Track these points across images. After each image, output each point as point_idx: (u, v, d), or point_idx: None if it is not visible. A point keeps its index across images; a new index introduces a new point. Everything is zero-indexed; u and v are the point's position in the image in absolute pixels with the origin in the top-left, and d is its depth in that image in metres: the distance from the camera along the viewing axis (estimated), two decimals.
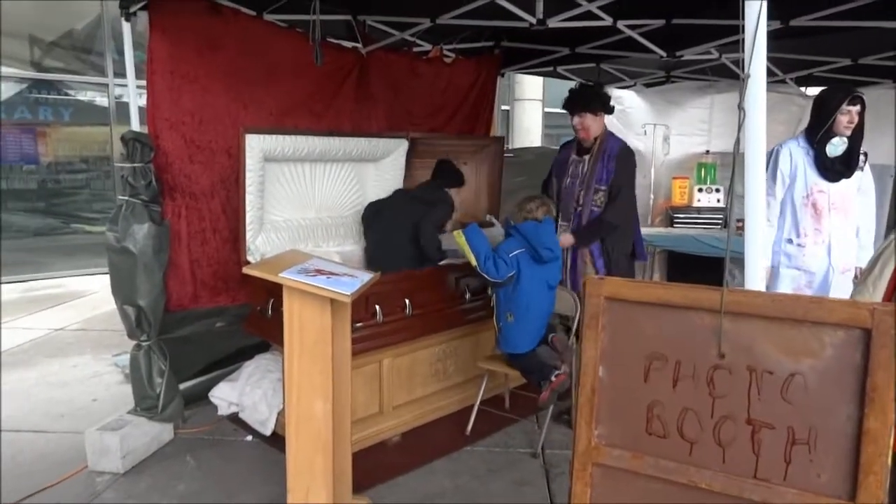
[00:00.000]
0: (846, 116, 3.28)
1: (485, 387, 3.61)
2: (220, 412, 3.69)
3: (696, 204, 6.80)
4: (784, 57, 5.41)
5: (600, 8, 3.59)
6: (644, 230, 6.67)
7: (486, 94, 5.26)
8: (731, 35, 4.24)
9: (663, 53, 4.39)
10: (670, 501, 1.40)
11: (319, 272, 2.46)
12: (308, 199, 3.80)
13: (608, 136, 3.58)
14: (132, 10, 3.23)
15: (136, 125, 3.37)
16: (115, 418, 3.29)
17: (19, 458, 3.27)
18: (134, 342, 3.32)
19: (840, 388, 1.26)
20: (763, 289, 1.55)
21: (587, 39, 4.71)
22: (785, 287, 3.49)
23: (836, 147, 3.34)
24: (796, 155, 3.46)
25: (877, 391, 1.22)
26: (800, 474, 1.30)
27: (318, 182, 3.82)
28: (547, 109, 12.09)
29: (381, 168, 4.05)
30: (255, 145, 3.32)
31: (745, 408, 1.34)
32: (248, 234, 3.40)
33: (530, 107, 11.64)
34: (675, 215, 6.89)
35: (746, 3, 1.59)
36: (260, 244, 3.46)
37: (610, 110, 3.56)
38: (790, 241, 3.49)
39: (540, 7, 3.31)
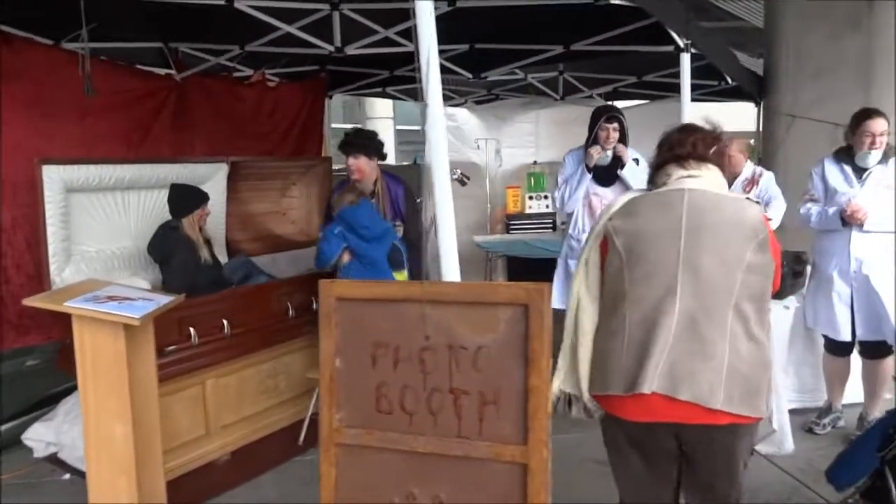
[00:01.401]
0: (604, 132, 3.79)
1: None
2: (35, 454, 3.55)
3: (528, 210, 7.31)
4: (585, 76, 6.06)
5: (400, 34, 3.89)
6: (482, 238, 7.14)
7: (314, 115, 5.44)
8: (529, 57, 4.71)
9: (469, 75, 4.78)
10: (397, 468, 1.63)
11: (111, 298, 2.51)
12: (123, 228, 3.77)
13: (384, 175, 3.79)
14: None
15: None
16: None
17: None
18: None
19: (512, 355, 1.55)
20: (457, 277, 1.84)
21: (405, 62, 5.02)
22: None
23: (603, 158, 3.85)
24: (574, 161, 3.97)
25: (534, 354, 1.52)
26: (490, 429, 1.57)
27: (132, 210, 3.80)
28: (398, 127, 12.46)
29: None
30: (55, 176, 3.28)
31: (447, 380, 1.60)
32: (53, 267, 3.33)
33: (382, 125, 11.94)
34: (511, 222, 7.38)
35: (419, 39, 1.86)
36: (67, 276, 3.40)
37: (383, 156, 3.80)
38: (573, 236, 3.97)
39: (337, 36, 3.54)
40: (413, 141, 12.36)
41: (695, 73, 5.38)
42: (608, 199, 3.92)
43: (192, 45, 4.30)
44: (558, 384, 1.89)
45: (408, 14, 3.61)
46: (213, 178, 4.09)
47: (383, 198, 3.73)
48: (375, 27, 3.63)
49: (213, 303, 3.41)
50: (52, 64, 3.65)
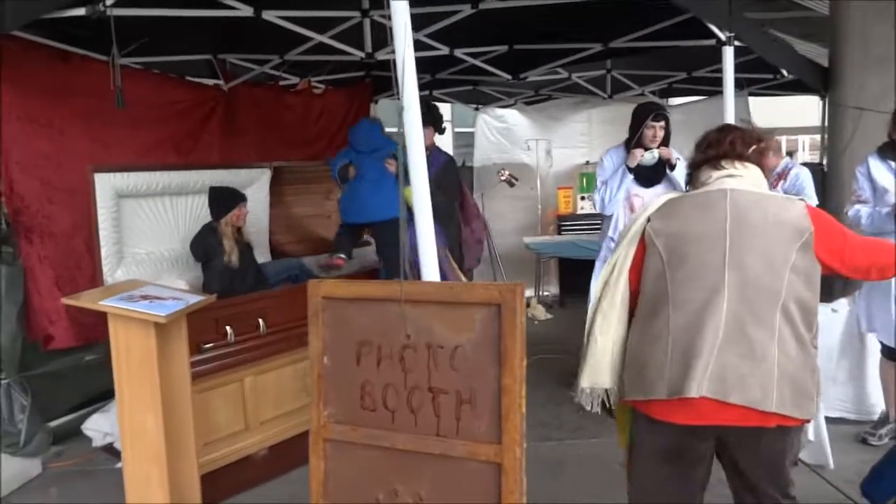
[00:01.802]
0: (651, 131, 3.69)
1: None
2: (94, 444, 3.79)
3: (579, 211, 7.22)
4: (634, 73, 5.93)
5: (433, 37, 3.93)
6: (531, 239, 7.09)
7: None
8: (568, 56, 4.65)
9: (509, 76, 4.77)
10: (381, 464, 1.66)
11: (145, 297, 2.66)
12: (171, 232, 3.98)
13: (434, 150, 3.88)
14: None
15: None
16: None
17: None
18: None
19: (487, 354, 1.55)
20: (437, 276, 1.84)
21: (445, 66, 5.06)
22: None
23: (648, 159, 3.75)
24: (614, 160, 3.88)
25: (507, 354, 1.51)
26: (467, 428, 1.58)
27: (180, 214, 4.01)
28: (457, 129, 12.50)
29: (249, 197, 4.26)
30: (106, 183, 3.51)
31: (427, 378, 1.61)
32: (105, 269, 3.56)
33: None
34: (562, 223, 7.30)
35: (395, 40, 1.88)
36: (119, 277, 3.62)
37: (438, 127, 3.86)
38: (613, 239, 3.88)
39: (368, 42, 3.62)
40: (469, 144, 12.36)
41: (749, 67, 5.18)
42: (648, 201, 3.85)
43: (239, 55, 4.49)
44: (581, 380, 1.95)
45: (437, 17, 3.69)
46: (256, 183, 4.27)
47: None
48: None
49: (249, 302, 3.54)
50: (104, 78, 3.89)
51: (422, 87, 5.72)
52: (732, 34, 3.77)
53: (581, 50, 4.50)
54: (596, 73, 5.84)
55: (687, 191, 2.01)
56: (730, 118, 3.80)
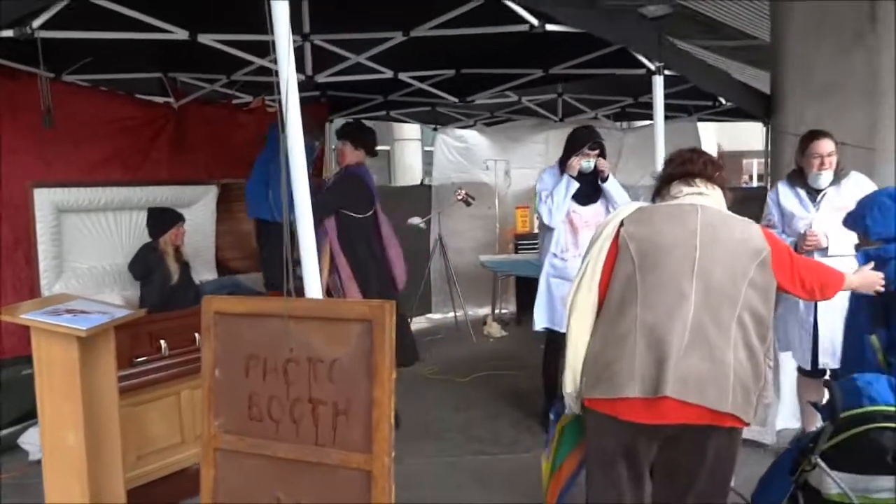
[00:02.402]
0: (585, 157, 3.85)
1: None
2: (30, 457, 3.80)
3: (536, 230, 7.35)
4: (585, 97, 6.11)
5: (376, 61, 4.04)
6: (487, 257, 7.20)
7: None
8: (511, 81, 4.80)
9: (455, 99, 4.91)
10: (265, 473, 1.74)
11: (69, 311, 2.71)
12: (115, 246, 4.03)
13: (354, 165, 3.94)
14: None
15: None
16: None
17: None
18: None
19: (361, 368, 1.64)
20: (319, 294, 1.94)
21: (395, 88, 5.18)
22: (555, 293, 3.99)
23: (584, 165, 3.89)
24: (552, 178, 4.02)
25: (377, 368, 1.60)
26: (342, 437, 1.66)
27: (123, 230, 4.07)
28: (426, 148, 12.66)
29: (193, 213, 4.34)
30: (45, 198, 3.57)
31: (308, 390, 1.70)
32: (44, 282, 3.61)
33: (409, 146, 12.19)
34: (519, 242, 7.44)
35: (279, 69, 1.98)
36: (58, 290, 3.67)
37: (370, 151, 4.00)
38: (555, 255, 4.01)
39: (309, 65, 3.73)
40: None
41: (693, 93, 5.38)
42: (587, 218, 3.98)
43: (189, 74, 4.57)
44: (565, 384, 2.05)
45: (374, 42, 3.82)
46: (202, 200, 4.34)
47: None
48: (346, 54, 3.81)
49: (184, 317, 3.58)
50: (53, 95, 3.94)
51: (376, 108, 5.90)
52: (661, 64, 3.94)
53: (524, 75, 4.65)
54: (547, 97, 6.01)
55: (654, 202, 2.17)
56: (660, 145, 3.96)
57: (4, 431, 3.90)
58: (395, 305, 1.64)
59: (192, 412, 3.68)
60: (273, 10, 1.98)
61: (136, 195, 3.98)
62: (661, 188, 2.16)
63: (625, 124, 7.32)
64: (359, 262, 3.81)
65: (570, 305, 2.06)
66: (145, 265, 3.72)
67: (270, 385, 1.73)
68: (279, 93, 2.00)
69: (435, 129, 7.30)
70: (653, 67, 3.93)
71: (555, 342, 3.94)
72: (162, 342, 3.48)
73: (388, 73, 4.27)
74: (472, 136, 7.66)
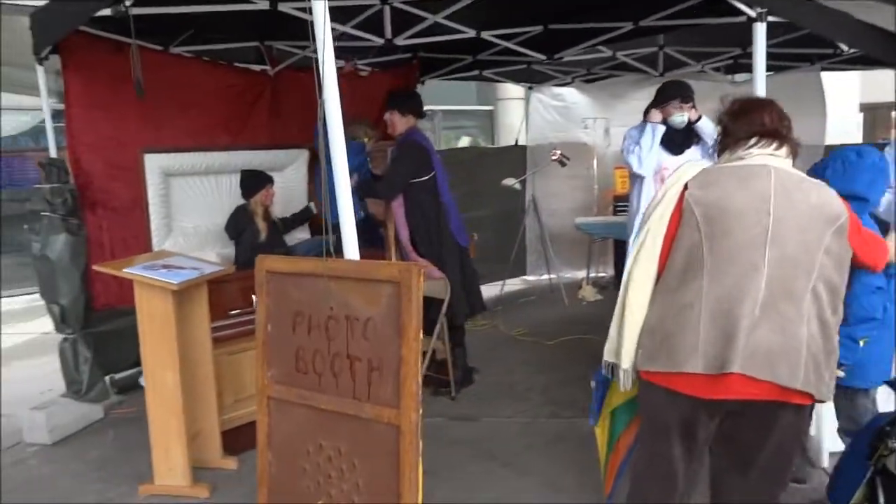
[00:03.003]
0: (677, 111, 3.71)
1: None
2: None
3: None
4: (689, 50, 5.73)
5: (457, 20, 4.01)
6: (581, 219, 7.04)
7: None
8: (601, 35, 4.59)
9: (543, 56, 4.78)
10: (309, 421, 1.86)
11: (166, 267, 3.00)
12: (216, 207, 4.35)
13: (406, 133, 4.02)
14: (43, 54, 3.82)
15: (53, 152, 3.97)
16: (48, 399, 3.91)
17: None
18: (62, 335, 3.93)
19: (391, 327, 1.69)
20: (357, 255, 1.98)
21: (484, 48, 5.12)
22: None
23: (676, 120, 3.76)
24: (639, 132, 3.90)
25: (404, 328, 1.65)
26: (376, 392, 1.74)
27: (223, 191, 4.38)
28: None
29: (285, 176, 4.60)
30: (154, 163, 3.91)
31: (346, 346, 1.78)
32: (155, 240, 3.99)
33: (512, 105, 12.00)
34: (618, 204, 7.18)
35: (316, 37, 2.00)
36: (168, 247, 4.04)
37: (418, 114, 4.06)
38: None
39: (388, 28, 3.77)
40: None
41: (812, 41, 4.88)
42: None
43: (285, 42, 4.76)
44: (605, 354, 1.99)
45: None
46: (294, 163, 4.58)
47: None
48: (424, 14, 3.81)
49: None
50: (162, 66, 4.28)
51: (466, 68, 5.85)
52: (764, 10, 3.61)
53: (613, 28, 4.43)
54: (646, 51, 5.68)
55: (715, 159, 2.01)
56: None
57: (128, 372, 4.38)
58: (421, 268, 1.68)
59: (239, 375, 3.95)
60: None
61: (235, 159, 4.26)
62: (727, 145, 1.95)
63: (741, 76, 6.77)
64: (426, 225, 3.93)
65: (626, 278, 1.93)
66: (237, 225, 4.00)
67: (314, 340, 1.84)
68: (317, 73, 2.02)
69: (530, 88, 7.14)
70: (752, 14, 3.60)
71: None
72: (253, 297, 3.75)
73: (470, 33, 4.22)
74: (571, 94, 7.41)
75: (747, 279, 1.74)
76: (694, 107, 3.83)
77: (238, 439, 3.46)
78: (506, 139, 12.24)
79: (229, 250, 4.25)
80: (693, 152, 3.84)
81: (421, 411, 1.67)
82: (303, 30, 4.56)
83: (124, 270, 2.89)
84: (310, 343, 1.85)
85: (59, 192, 3.82)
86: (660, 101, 3.83)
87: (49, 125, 3.99)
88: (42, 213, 3.85)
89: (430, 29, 4.03)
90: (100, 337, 4.06)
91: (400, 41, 4.00)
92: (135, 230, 4.26)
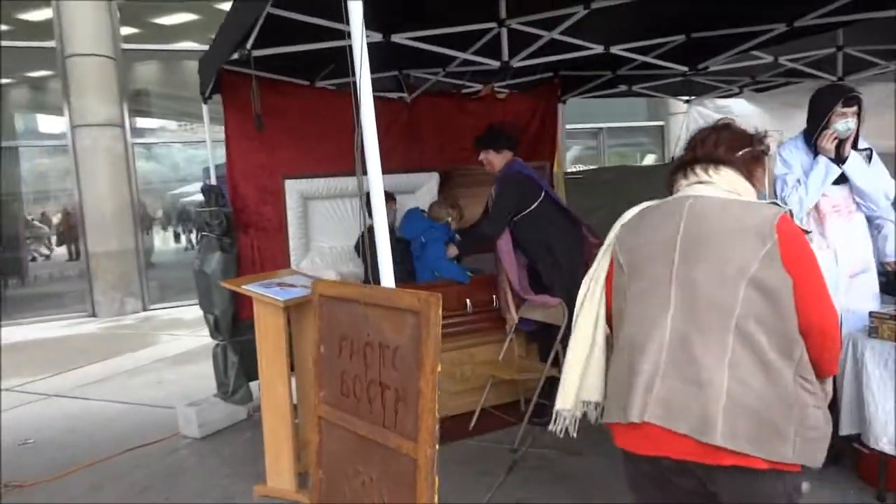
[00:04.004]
0: (841, 118, 3.15)
1: (499, 392, 4.09)
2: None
3: None
4: (875, 49, 4.99)
5: (579, 35, 3.89)
6: None
7: (546, 123, 5.64)
8: (749, 41, 4.16)
9: (685, 68, 4.44)
10: (349, 445, 1.88)
11: (280, 285, 3.24)
12: (350, 229, 4.62)
13: (505, 167, 4.00)
14: (207, 94, 4.35)
15: (213, 179, 4.49)
16: (202, 398, 4.40)
17: (145, 425, 4.53)
18: (215, 342, 4.41)
19: (414, 358, 1.65)
20: (392, 283, 1.92)
21: (623, 63, 4.89)
22: None
23: (842, 129, 3.17)
24: (796, 156, 3.38)
25: (423, 360, 1.60)
26: (401, 423, 1.70)
27: (358, 214, 4.63)
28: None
29: (417, 198, 4.74)
30: (293, 188, 4.26)
31: (378, 374, 1.78)
32: (293, 258, 4.33)
33: (683, 120, 11.28)
34: None
35: (353, 48, 1.99)
36: (304, 266, 4.36)
37: (513, 148, 4.03)
38: None
39: (505, 51, 3.76)
40: None
41: None
42: (836, 201, 3.29)
43: (423, 70, 4.94)
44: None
45: (564, 17, 3.65)
46: (425, 186, 4.71)
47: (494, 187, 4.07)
48: (539, 32, 3.74)
49: None
50: (306, 98, 4.66)
51: (607, 84, 5.61)
52: None
53: (762, 32, 3.98)
54: (820, 53, 5.02)
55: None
56: None
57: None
58: (440, 298, 1.63)
59: None
60: (350, 12, 2.06)
61: (367, 183, 4.47)
62: (670, 181, 1.79)
63: None
64: (546, 252, 3.84)
65: (573, 324, 1.87)
66: (361, 246, 4.19)
67: (355, 365, 1.87)
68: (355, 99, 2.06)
69: (687, 102, 6.66)
70: None
71: None
72: None
73: (597, 49, 4.05)
74: (739, 106, 6.79)
75: (655, 321, 1.60)
76: (860, 113, 3.21)
77: None
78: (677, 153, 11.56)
79: (359, 269, 4.48)
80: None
81: (437, 447, 1.62)
82: (436, 57, 4.77)
83: (242, 287, 3.17)
84: (351, 367, 1.89)
85: (216, 215, 4.31)
86: (821, 111, 3.15)
87: (210, 155, 4.53)
88: (202, 234, 4.37)
89: (550, 47, 3.94)
90: (245, 345, 4.47)
91: (516, 63, 3.96)
92: (278, 249, 4.67)
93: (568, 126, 12.70)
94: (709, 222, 1.61)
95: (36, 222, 15.80)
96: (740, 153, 1.71)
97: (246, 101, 4.45)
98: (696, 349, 1.53)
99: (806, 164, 3.29)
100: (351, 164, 4.77)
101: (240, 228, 4.51)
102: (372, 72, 4.95)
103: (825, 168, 3.16)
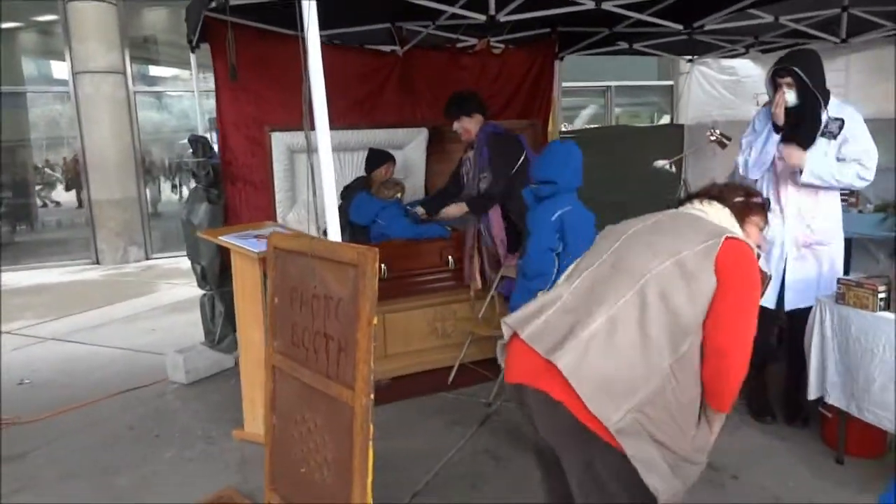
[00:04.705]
0: (778, 89, 3.14)
1: (479, 347, 4.16)
2: None
3: None
4: (883, 9, 4.84)
5: None
6: None
7: (542, 80, 5.56)
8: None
9: (680, 26, 4.34)
10: (298, 393, 1.94)
11: (258, 237, 3.28)
12: (339, 183, 4.61)
13: (481, 129, 3.98)
14: (195, 42, 4.32)
15: (200, 130, 4.50)
16: (190, 346, 4.50)
17: (136, 370, 4.66)
18: (202, 291, 4.49)
19: (353, 310, 1.69)
20: (338, 236, 1.95)
21: (620, 20, 4.78)
22: None
23: (790, 99, 3.16)
24: (764, 122, 3.36)
25: (360, 312, 1.64)
26: (342, 372, 1.75)
27: (346, 168, 4.63)
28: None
29: (406, 154, 4.73)
30: (280, 141, 4.25)
31: (324, 324, 1.82)
32: (279, 210, 4.36)
33: None
34: None
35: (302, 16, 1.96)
36: (291, 219, 4.40)
37: (482, 110, 3.99)
38: None
39: (492, 4, 3.68)
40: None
41: None
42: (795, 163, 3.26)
43: (413, 22, 4.87)
44: None
45: None
46: (414, 141, 4.69)
47: (475, 151, 4.04)
48: None
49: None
50: (296, 51, 4.60)
51: (604, 42, 5.49)
52: None
53: None
54: (826, 13, 4.87)
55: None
56: None
57: None
58: (377, 253, 1.65)
59: (384, 334, 4.15)
60: None
61: (356, 137, 4.48)
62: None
63: None
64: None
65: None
66: (348, 192, 4.24)
67: (304, 316, 1.91)
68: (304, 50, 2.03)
69: (690, 61, 6.52)
70: None
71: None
72: None
73: (589, 4, 3.96)
74: (744, 67, 6.64)
75: (576, 270, 1.74)
76: (793, 81, 3.15)
77: None
78: (686, 116, 11.35)
79: None
80: (815, 151, 3.18)
81: (372, 396, 1.67)
82: (428, 9, 4.69)
83: (219, 238, 3.21)
84: (301, 318, 1.93)
85: (203, 166, 4.34)
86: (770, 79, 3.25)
87: (197, 105, 4.52)
88: (189, 184, 4.41)
89: (541, 1, 3.85)
90: (231, 295, 4.55)
91: (502, 17, 3.88)
92: (265, 202, 4.69)
93: (576, 84, 12.48)
94: (674, 220, 1.74)
95: (46, 169, 15.93)
96: (735, 199, 1.81)
97: (238, 49, 4.41)
98: (594, 296, 1.60)
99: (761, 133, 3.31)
100: (348, 117, 4.82)
101: (227, 179, 4.54)
102: (363, 23, 4.96)
103: (766, 133, 3.22)
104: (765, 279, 1.83)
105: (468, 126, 4.00)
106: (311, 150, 2.23)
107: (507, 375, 1.66)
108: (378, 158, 4.40)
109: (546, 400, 1.51)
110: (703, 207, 1.79)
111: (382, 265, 3.99)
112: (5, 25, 14.57)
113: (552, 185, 3.02)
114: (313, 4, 2.09)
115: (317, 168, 2.15)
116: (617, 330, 1.52)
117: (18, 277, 8.53)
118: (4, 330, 5.85)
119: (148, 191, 10.27)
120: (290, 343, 2.00)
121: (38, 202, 14.80)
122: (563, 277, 1.79)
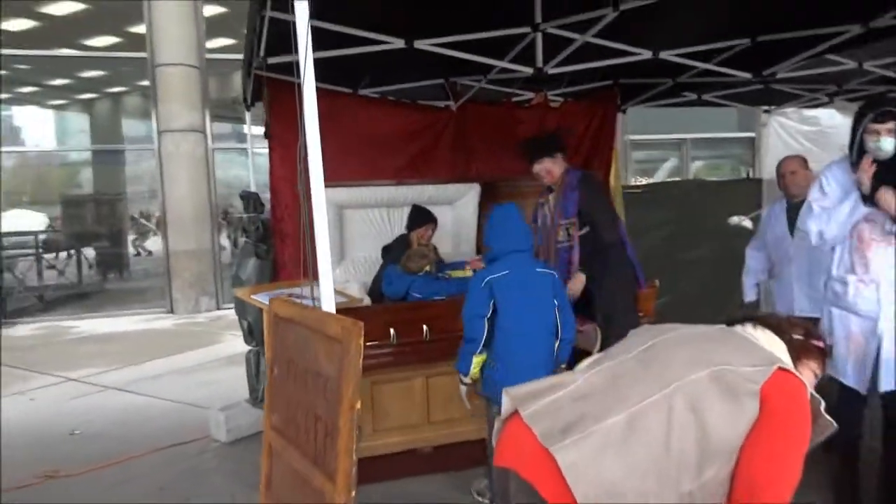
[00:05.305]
0: (873, 136, 2.74)
1: None
2: None
3: None
4: None
5: (612, 38, 3.63)
6: None
7: (602, 132, 5.32)
8: (821, 43, 3.73)
9: (748, 75, 4.04)
10: (286, 477, 1.76)
11: (291, 296, 3.18)
12: (386, 238, 4.53)
13: (567, 171, 3.66)
14: (250, 101, 4.40)
15: (252, 186, 4.54)
16: (234, 402, 4.44)
17: (185, 424, 4.63)
18: (248, 347, 4.45)
19: (337, 390, 1.50)
20: (332, 305, 1.75)
21: (683, 70, 4.54)
22: (836, 329, 3.01)
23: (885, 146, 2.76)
24: (838, 180, 2.98)
25: (342, 395, 1.44)
26: (328, 460, 1.55)
27: (395, 224, 4.54)
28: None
29: (456, 210, 4.59)
30: (329, 196, 4.18)
31: (314, 403, 1.64)
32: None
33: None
34: None
35: (298, 46, 1.85)
36: (337, 276, 4.31)
37: (564, 149, 3.68)
38: (833, 276, 3.01)
39: (539, 56, 3.54)
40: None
41: None
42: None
43: (470, 77, 4.79)
44: None
45: (590, 22, 3.38)
46: (465, 197, 4.55)
47: (557, 193, 3.70)
48: (573, 36, 3.50)
49: (412, 310, 3.83)
50: (349, 107, 4.63)
51: (669, 93, 5.24)
52: None
53: (835, 35, 3.54)
54: None
55: None
56: None
57: None
58: (362, 327, 1.47)
59: (426, 399, 3.93)
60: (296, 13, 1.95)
61: (403, 193, 4.39)
62: None
63: None
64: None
65: None
66: (390, 251, 4.11)
67: (298, 391, 1.75)
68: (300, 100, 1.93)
69: (767, 112, 6.14)
70: None
71: (842, 397, 2.93)
72: (391, 330, 3.79)
73: (646, 54, 3.75)
74: (829, 117, 6.19)
75: (607, 355, 1.59)
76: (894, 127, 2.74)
77: (377, 469, 3.49)
78: (769, 170, 10.75)
79: None
80: None
81: (354, 493, 1.46)
82: (479, 64, 4.61)
83: (251, 297, 3.14)
84: (296, 393, 1.77)
85: (253, 221, 4.36)
86: (853, 132, 2.80)
87: (250, 162, 4.58)
88: (240, 239, 4.43)
89: (592, 53, 3.68)
90: None
91: (550, 69, 3.73)
92: (313, 258, 4.65)
93: (646, 136, 12.14)
94: (722, 335, 1.56)
95: (142, 220, 16.94)
96: (794, 335, 1.61)
97: (288, 107, 4.46)
98: (615, 389, 1.38)
99: (849, 189, 2.88)
100: (390, 173, 4.76)
101: (277, 235, 4.52)
102: (417, 79, 4.93)
103: (852, 202, 2.78)
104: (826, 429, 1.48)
105: (551, 167, 3.66)
106: (304, 211, 2.09)
107: (496, 456, 1.42)
108: (419, 218, 4.27)
109: (529, 493, 1.27)
110: (755, 333, 1.57)
111: (424, 326, 3.82)
112: (113, 90, 15.87)
113: (490, 251, 3.12)
114: (310, 54, 1.99)
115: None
116: (635, 432, 1.28)
117: (94, 325, 8.91)
118: (72, 377, 6.04)
119: (227, 243, 10.63)
120: (285, 419, 1.83)
121: (132, 251, 15.68)
122: (583, 364, 1.56)
